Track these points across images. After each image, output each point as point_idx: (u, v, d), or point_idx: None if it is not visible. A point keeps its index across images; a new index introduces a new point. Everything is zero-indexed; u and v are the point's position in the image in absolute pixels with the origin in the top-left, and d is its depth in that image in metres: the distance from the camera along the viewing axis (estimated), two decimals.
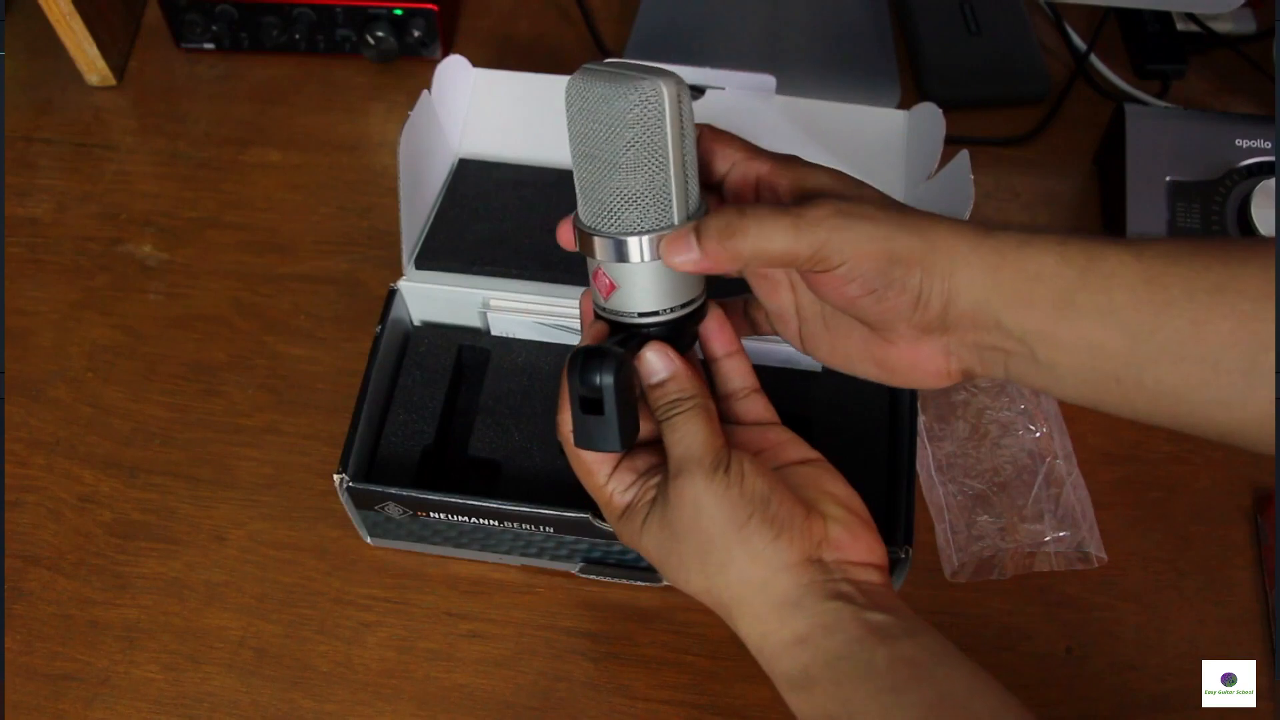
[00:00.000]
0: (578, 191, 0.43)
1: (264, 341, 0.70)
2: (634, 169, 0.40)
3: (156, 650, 0.58)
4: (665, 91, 0.40)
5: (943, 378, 0.43)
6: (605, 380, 0.41)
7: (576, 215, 0.44)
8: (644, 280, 0.43)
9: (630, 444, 0.43)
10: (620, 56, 0.79)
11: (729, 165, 0.44)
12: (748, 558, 0.41)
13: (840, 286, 0.40)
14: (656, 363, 0.43)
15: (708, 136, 0.44)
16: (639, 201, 0.41)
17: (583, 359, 0.41)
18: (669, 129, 0.40)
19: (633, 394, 0.43)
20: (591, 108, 0.40)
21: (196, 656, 0.58)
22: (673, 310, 0.44)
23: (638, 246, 0.42)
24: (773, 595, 0.42)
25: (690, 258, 0.41)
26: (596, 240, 0.42)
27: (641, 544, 0.44)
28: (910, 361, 0.43)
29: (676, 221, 0.42)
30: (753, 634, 0.42)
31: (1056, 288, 0.38)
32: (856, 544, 0.43)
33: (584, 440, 0.43)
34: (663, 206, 0.41)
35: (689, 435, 0.42)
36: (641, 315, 0.43)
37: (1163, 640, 0.59)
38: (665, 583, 0.59)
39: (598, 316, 0.45)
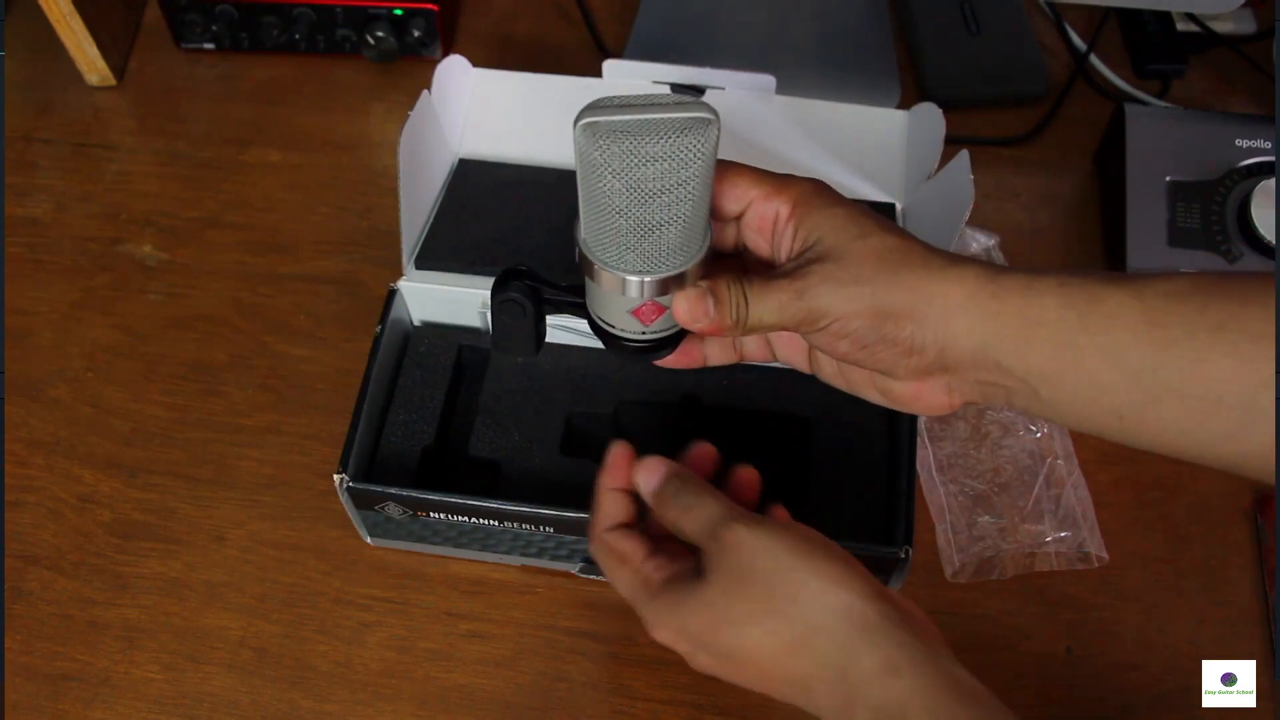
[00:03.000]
0: (623, 241, 0.41)
1: (264, 341, 0.70)
2: (698, 199, 0.41)
3: (156, 650, 0.58)
4: (711, 110, 0.39)
5: (944, 408, 0.44)
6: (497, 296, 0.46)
7: (590, 252, 0.43)
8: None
9: (508, 348, 0.48)
10: (620, 57, 0.79)
11: (744, 204, 0.44)
12: (821, 585, 0.40)
13: (833, 343, 0.42)
14: (653, 470, 0.46)
15: (720, 171, 0.44)
16: (691, 226, 0.41)
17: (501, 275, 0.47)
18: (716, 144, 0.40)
19: (539, 322, 0.47)
20: (646, 160, 0.38)
21: (196, 656, 0.58)
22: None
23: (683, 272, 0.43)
24: (857, 619, 0.40)
25: (706, 323, 0.42)
26: (649, 279, 0.42)
27: (687, 615, 0.43)
28: (913, 395, 0.44)
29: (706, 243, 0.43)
30: (833, 661, 0.40)
31: (1058, 331, 0.39)
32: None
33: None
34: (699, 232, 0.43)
35: (704, 503, 0.43)
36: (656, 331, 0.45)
37: (1163, 640, 0.59)
38: None
39: (624, 341, 0.46)
